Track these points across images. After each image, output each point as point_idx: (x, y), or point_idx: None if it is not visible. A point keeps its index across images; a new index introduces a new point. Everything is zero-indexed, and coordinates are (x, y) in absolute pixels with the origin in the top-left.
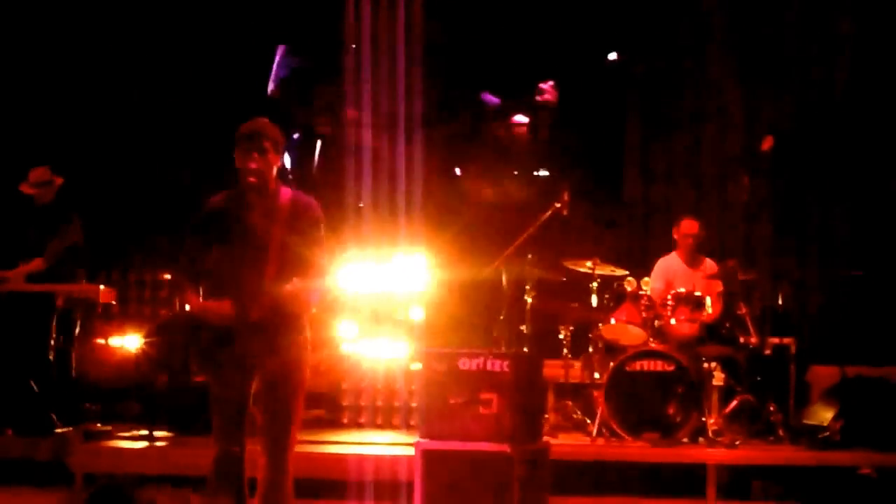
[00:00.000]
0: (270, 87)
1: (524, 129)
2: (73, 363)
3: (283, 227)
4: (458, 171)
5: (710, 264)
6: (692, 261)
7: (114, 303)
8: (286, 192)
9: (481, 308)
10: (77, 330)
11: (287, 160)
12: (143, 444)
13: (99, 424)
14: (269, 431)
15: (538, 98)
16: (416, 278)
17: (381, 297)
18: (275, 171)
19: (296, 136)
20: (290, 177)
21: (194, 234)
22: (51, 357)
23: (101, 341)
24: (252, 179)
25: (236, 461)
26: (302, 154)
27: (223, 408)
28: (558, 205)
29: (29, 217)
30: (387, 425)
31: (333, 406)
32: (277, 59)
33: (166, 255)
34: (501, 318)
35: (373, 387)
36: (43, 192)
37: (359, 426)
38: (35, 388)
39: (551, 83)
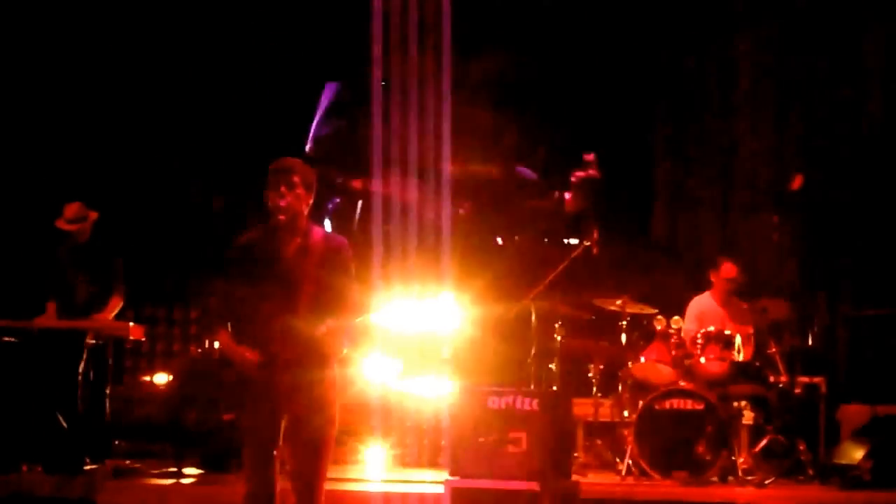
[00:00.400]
0: (308, 145)
1: (567, 203)
2: (105, 400)
3: (315, 266)
4: (499, 240)
5: (742, 305)
6: (727, 302)
7: (143, 339)
8: (318, 232)
9: (511, 346)
10: (109, 367)
11: (327, 225)
12: (171, 482)
13: (128, 462)
14: (299, 470)
15: (582, 173)
16: (452, 317)
17: (425, 336)
18: (305, 209)
19: (336, 201)
20: None
21: (225, 270)
22: (80, 394)
23: (131, 378)
24: (281, 217)
25: (267, 499)
26: (341, 218)
27: (253, 445)
28: (588, 243)
29: (70, 256)
30: (432, 464)
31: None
32: (317, 117)
33: (196, 293)
34: (531, 356)
35: (417, 426)
36: (81, 227)
37: (404, 464)
38: (65, 425)
39: (593, 155)
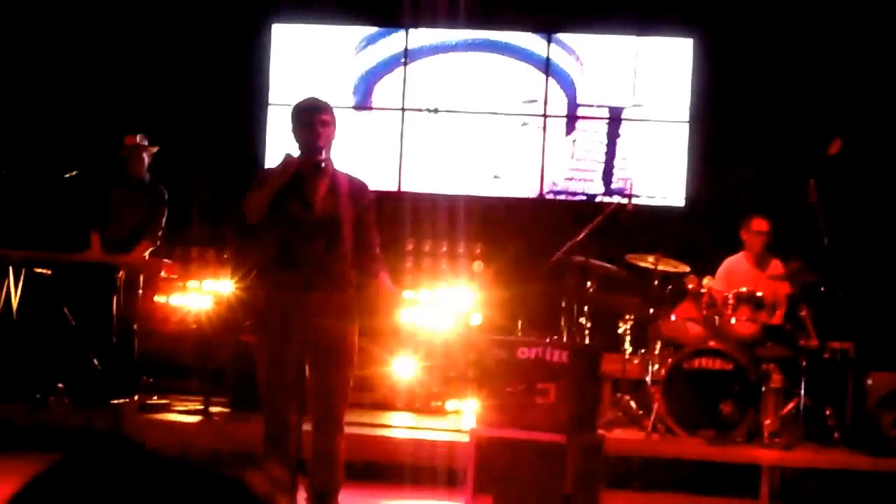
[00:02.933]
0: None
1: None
2: (134, 336)
3: (344, 206)
4: None
5: (777, 265)
6: (760, 262)
7: (175, 277)
8: (342, 175)
9: (543, 298)
10: (139, 300)
11: None
12: (198, 419)
13: (156, 397)
14: (318, 407)
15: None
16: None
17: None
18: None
19: None
20: None
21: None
22: (112, 328)
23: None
24: (319, 156)
25: (288, 429)
26: None
27: (273, 381)
28: (622, 200)
29: (120, 186)
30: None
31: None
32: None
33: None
34: (563, 308)
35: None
36: (139, 155)
37: (416, 410)
38: (94, 359)
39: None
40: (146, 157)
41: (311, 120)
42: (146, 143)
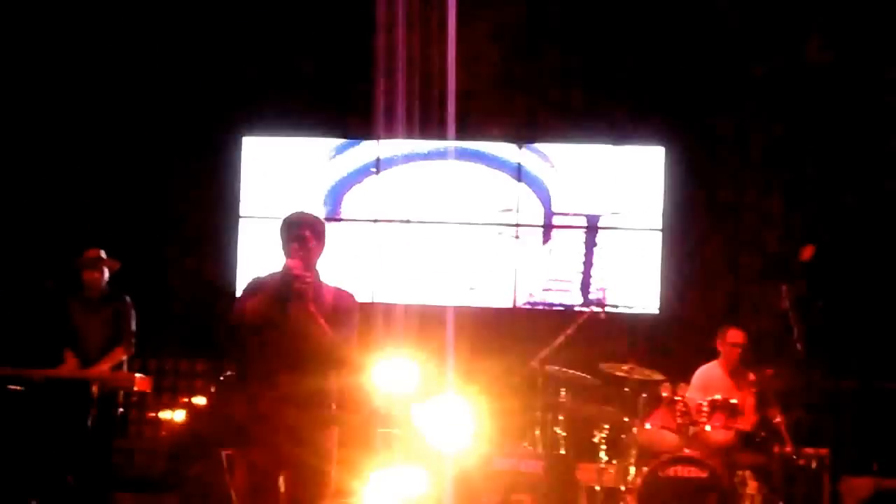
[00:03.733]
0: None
1: None
2: (110, 452)
3: (325, 321)
4: None
5: (751, 376)
6: (734, 372)
7: (149, 391)
8: (328, 288)
9: (517, 409)
10: (117, 418)
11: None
12: None
13: None
14: None
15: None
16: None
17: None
18: (315, 261)
19: None
20: None
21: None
22: (85, 445)
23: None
24: (294, 271)
25: None
26: None
27: (251, 491)
28: (596, 308)
29: (83, 304)
30: None
31: None
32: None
33: (201, 344)
34: (537, 419)
35: None
36: (98, 274)
37: None
38: (69, 476)
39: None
40: (106, 272)
41: (286, 235)
42: (105, 258)
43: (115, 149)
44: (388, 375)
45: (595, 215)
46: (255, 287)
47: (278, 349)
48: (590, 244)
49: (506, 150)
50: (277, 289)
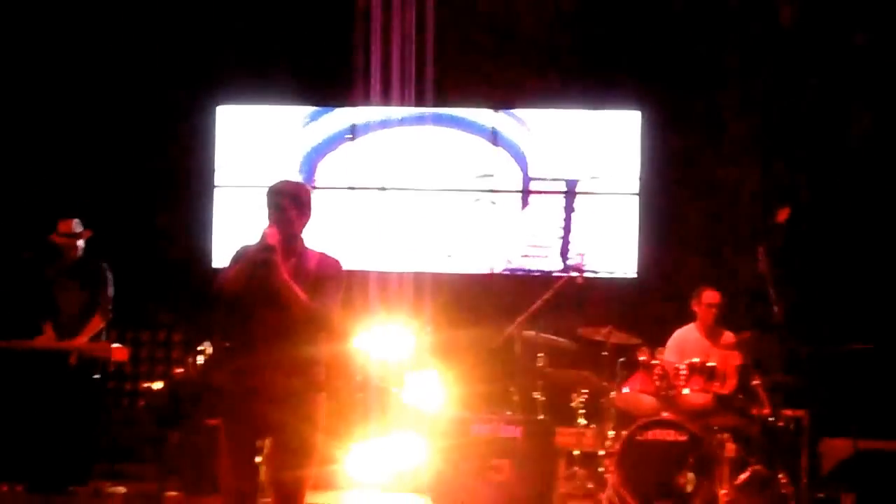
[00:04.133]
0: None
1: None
2: (91, 422)
3: (307, 290)
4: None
5: (728, 336)
6: (711, 333)
7: (126, 361)
8: (313, 254)
9: (496, 374)
10: (96, 388)
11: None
12: None
13: (110, 483)
14: (279, 494)
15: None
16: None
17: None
18: (300, 230)
19: None
20: None
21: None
22: (64, 414)
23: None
24: (270, 240)
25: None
26: None
27: (233, 459)
28: (573, 273)
29: (58, 273)
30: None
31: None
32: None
33: (180, 315)
34: (515, 384)
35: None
36: (73, 243)
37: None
38: (49, 446)
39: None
40: (80, 244)
41: (267, 203)
42: (80, 228)
43: (88, 119)
44: (376, 342)
45: (573, 180)
46: (238, 257)
47: (258, 318)
48: (568, 209)
49: (482, 115)
50: (252, 257)
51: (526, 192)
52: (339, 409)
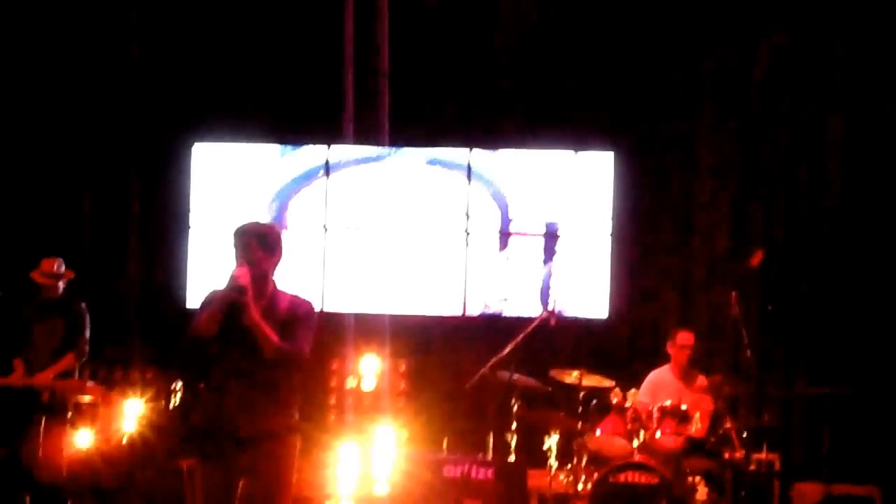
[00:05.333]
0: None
1: None
2: (61, 460)
3: (280, 332)
4: None
5: (701, 379)
6: (685, 375)
7: (100, 399)
8: (284, 296)
9: (467, 415)
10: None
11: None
12: None
13: None
14: None
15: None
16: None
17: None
18: (271, 271)
19: None
20: None
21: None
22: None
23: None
24: (240, 280)
25: None
26: None
27: (207, 499)
28: (545, 315)
29: (36, 309)
30: None
31: None
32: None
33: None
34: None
35: None
36: (54, 283)
37: None
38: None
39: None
40: (62, 284)
41: (235, 244)
42: (63, 268)
43: (63, 156)
44: (349, 381)
45: (553, 223)
46: (209, 300)
47: (230, 359)
48: (549, 251)
49: (457, 154)
50: (223, 299)
51: (504, 235)
52: (311, 448)
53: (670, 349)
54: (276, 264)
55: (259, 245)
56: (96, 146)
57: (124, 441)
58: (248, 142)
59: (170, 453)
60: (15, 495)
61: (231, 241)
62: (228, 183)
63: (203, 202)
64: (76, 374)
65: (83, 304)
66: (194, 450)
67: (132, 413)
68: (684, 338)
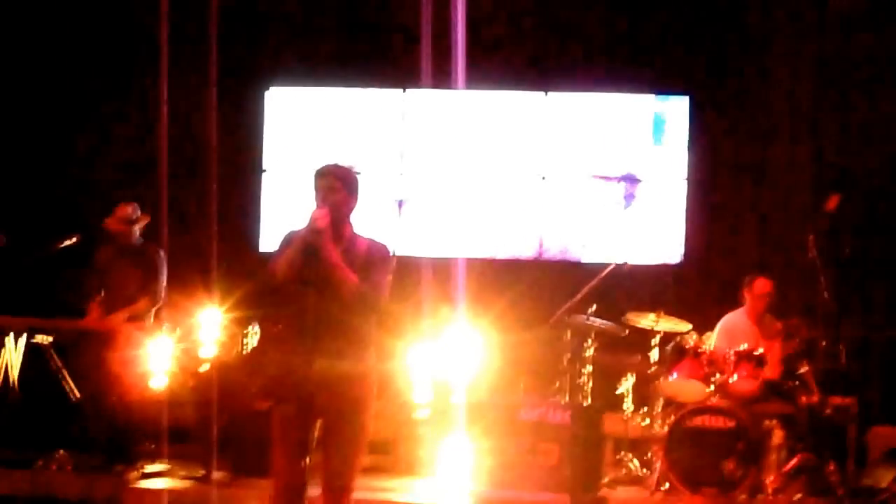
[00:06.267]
0: None
1: None
2: (136, 401)
3: (358, 275)
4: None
5: (777, 323)
6: (760, 320)
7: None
8: (362, 240)
9: (544, 359)
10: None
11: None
12: (200, 485)
13: (157, 464)
14: (329, 477)
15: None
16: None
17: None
18: (348, 214)
19: None
20: None
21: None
22: (112, 394)
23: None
24: (319, 223)
25: (298, 495)
26: None
27: (285, 438)
28: (619, 261)
29: (112, 254)
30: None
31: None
32: None
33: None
34: (564, 369)
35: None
36: (129, 229)
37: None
38: (97, 426)
39: None
40: (137, 229)
41: (316, 186)
42: (138, 214)
43: (141, 101)
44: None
45: (630, 174)
46: (287, 241)
47: (308, 301)
48: (627, 197)
49: (532, 97)
50: (302, 240)
51: (583, 179)
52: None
53: (747, 295)
54: (353, 208)
55: (342, 186)
56: (171, 91)
57: (201, 384)
58: (321, 86)
59: (247, 396)
60: (93, 438)
61: (312, 182)
62: (302, 128)
63: (277, 147)
64: (150, 318)
65: (160, 251)
66: (271, 392)
67: (208, 356)
68: (762, 285)
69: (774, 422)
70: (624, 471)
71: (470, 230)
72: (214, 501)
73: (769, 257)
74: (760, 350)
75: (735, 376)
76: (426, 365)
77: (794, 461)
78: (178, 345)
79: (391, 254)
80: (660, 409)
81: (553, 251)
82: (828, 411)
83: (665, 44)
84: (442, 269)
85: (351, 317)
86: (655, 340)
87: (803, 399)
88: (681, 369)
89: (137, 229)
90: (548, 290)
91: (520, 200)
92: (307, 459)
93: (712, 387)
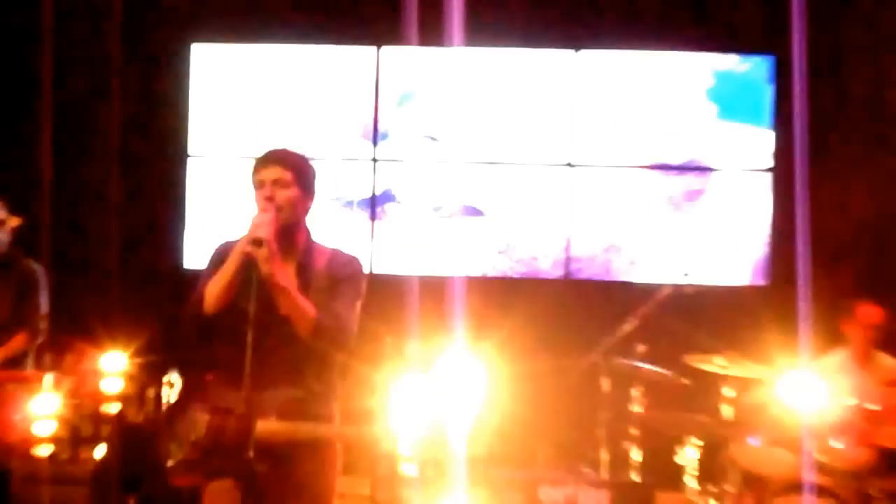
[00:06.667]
0: None
1: None
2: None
3: (317, 299)
4: None
5: (891, 365)
6: (869, 363)
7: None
8: (323, 251)
9: (574, 418)
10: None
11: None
12: None
13: None
14: None
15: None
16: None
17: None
18: (304, 217)
19: None
20: None
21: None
22: None
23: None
24: (261, 231)
25: None
26: None
27: None
28: (680, 282)
29: None
30: None
31: None
32: None
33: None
34: (601, 432)
35: None
36: None
37: None
38: None
39: None
40: (4, 236)
41: (257, 179)
42: (3, 214)
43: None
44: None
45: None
46: (219, 256)
47: (249, 340)
48: (688, 194)
49: (557, 56)
50: (240, 255)
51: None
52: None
53: (848, 329)
54: (309, 208)
55: (294, 179)
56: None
57: (97, 457)
58: (264, 42)
59: (164, 471)
60: None
61: (251, 174)
62: (242, 99)
63: (207, 125)
64: (30, 360)
65: (38, 267)
66: (197, 464)
67: (109, 415)
68: (868, 313)
69: None
70: None
71: (470, 230)
72: None
73: (880, 279)
74: (874, 405)
75: (840, 442)
76: (414, 406)
77: None
78: (66, 402)
79: (361, 268)
80: (735, 487)
81: (584, 265)
82: None
83: None
84: (435, 284)
85: (307, 360)
86: (728, 391)
87: None
88: (762, 432)
89: (4, 236)
90: (578, 319)
91: (540, 194)
92: None
93: (806, 456)
